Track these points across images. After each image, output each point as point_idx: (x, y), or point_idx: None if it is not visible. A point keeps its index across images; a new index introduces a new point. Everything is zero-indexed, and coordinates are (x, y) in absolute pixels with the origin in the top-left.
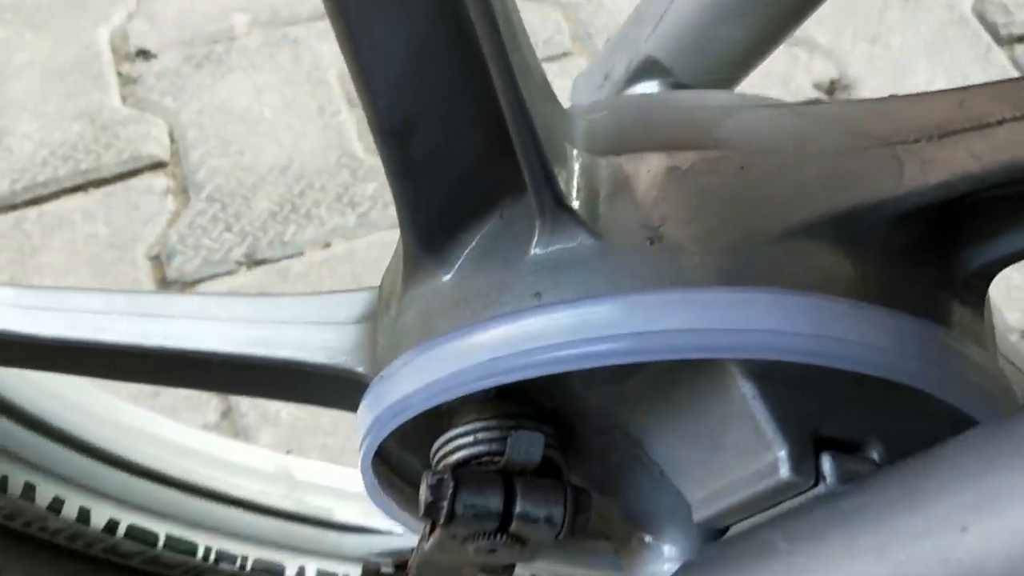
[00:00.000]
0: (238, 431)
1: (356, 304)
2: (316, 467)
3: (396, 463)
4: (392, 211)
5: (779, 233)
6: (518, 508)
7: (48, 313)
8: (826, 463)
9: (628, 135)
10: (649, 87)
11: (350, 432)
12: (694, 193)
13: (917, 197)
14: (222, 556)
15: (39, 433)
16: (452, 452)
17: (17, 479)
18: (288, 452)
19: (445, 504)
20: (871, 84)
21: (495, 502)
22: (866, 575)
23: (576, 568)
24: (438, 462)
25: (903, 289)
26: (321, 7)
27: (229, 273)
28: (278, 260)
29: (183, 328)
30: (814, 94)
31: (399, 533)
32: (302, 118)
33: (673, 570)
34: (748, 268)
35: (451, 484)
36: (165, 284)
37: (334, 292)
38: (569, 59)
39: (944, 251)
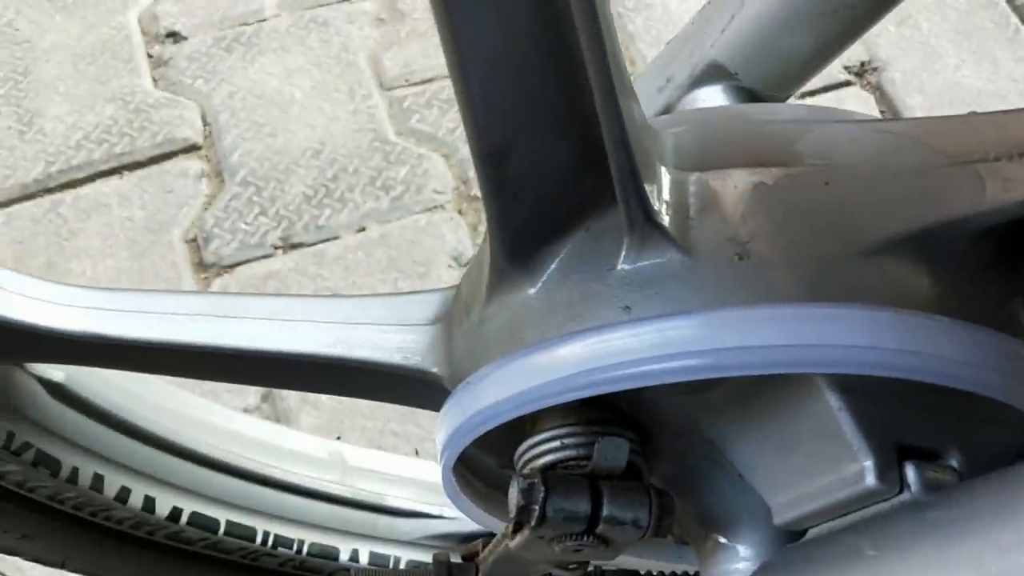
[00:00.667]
0: (279, 414)
1: (428, 306)
2: (368, 454)
3: (470, 462)
4: (425, 195)
5: (863, 249)
6: (605, 512)
7: (129, 315)
8: (910, 471)
9: (712, 151)
10: (712, 91)
11: (390, 416)
12: (780, 209)
13: (998, 214)
14: (279, 541)
15: (108, 426)
16: (539, 456)
17: (87, 470)
18: (338, 438)
19: (536, 507)
20: (901, 66)
21: (583, 506)
22: None
23: (639, 559)
24: (523, 465)
25: (980, 303)
26: None
27: (266, 257)
28: (314, 244)
29: (260, 329)
30: (844, 76)
31: (450, 517)
32: (333, 101)
33: (749, 570)
34: (834, 284)
35: (542, 488)
36: (202, 267)
37: (404, 293)
38: None
39: (1015, 264)
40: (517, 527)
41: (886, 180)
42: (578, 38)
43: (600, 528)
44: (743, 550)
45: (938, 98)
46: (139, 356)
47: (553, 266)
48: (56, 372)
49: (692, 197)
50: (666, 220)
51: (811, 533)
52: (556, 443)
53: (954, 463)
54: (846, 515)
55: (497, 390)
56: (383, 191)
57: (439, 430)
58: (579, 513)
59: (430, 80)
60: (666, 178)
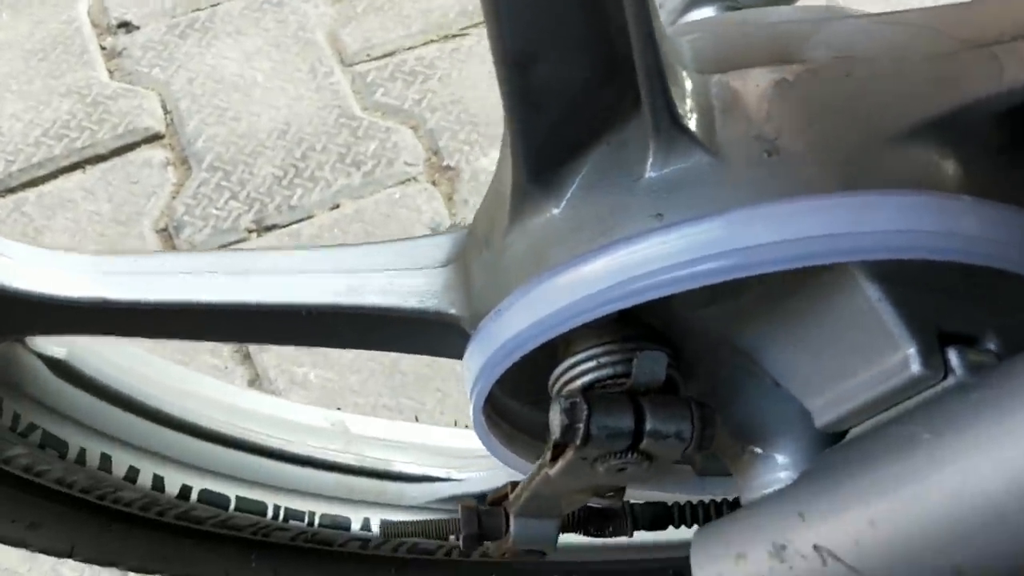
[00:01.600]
0: None
1: (439, 248)
2: (370, 421)
3: (496, 403)
4: (397, 168)
5: (889, 137)
6: (648, 426)
7: (133, 277)
8: (953, 356)
9: (730, 53)
10: (705, 13)
11: (381, 391)
12: (804, 104)
13: (1018, 94)
14: (290, 514)
15: (112, 404)
16: (577, 377)
17: (94, 451)
18: (338, 408)
19: (581, 427)
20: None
21: (627, 422)
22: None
23: (663, 493)
24: (561, 387)
25: (1007, 184)
26: None
27: (241, 241)
28: (288, 225)
29: (269, 283)
30: None
31: (458, 479)
32: (295, 81)
33: (790, 479)
34: (865, 172)
35: (585, 407)
36: None
37: (412, 238)
38: None
39: None
40: (559, 451)
41: (906, 68)
42: None
43: (644, 443)
44: (782, 459)
45: None
46: (147, 320)
47: (576, 183)
48: (57, 349)
49: (715, 99)
50: (692, 123)
51: (852, 433)
52: (593, 363)
53: (992, 346)
54: (888, 409)
55: (527, 314)
56: (354, 167)
57: (466, 369)
58: (623, 429)
59: (392, 53)
60: (688, 82)
